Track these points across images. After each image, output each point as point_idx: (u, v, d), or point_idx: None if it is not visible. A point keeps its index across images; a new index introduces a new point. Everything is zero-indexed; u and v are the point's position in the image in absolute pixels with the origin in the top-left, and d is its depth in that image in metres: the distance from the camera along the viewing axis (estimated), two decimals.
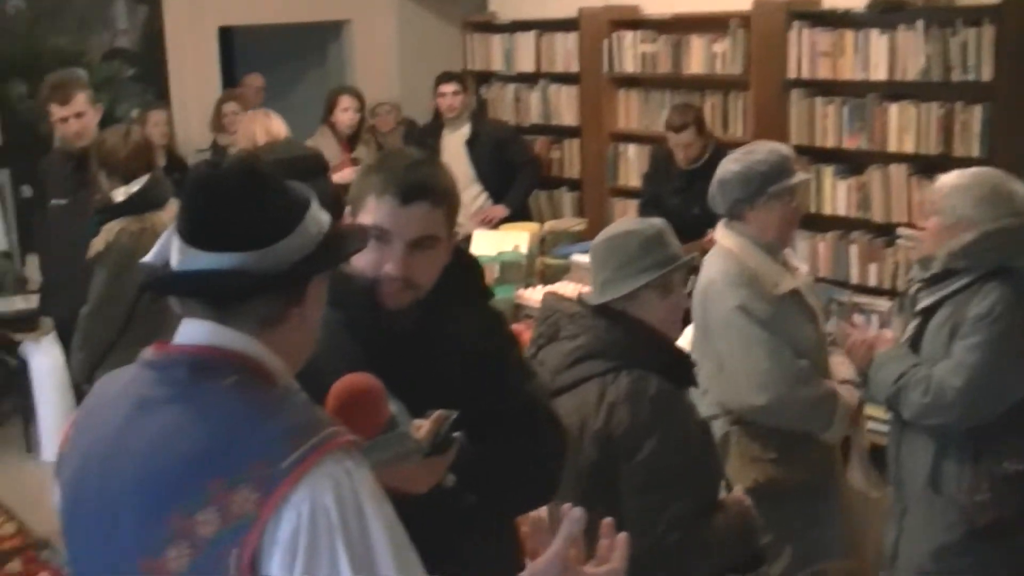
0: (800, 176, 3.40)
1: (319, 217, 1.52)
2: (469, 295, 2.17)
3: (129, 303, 4.18)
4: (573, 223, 6.66)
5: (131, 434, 1.43)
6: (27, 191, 7.54)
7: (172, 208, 4.25)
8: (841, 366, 3.49)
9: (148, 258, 1.55)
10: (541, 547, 1.70)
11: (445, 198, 2.04)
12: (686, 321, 3.03)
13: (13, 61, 7.38)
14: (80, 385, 4.44)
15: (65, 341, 5.32)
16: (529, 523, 1.76)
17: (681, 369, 2.74)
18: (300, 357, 1.54)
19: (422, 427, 1.81)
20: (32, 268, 7.31)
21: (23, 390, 6.58)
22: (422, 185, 1.99)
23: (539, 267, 5.85)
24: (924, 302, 3.16)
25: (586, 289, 2.89)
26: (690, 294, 3.21)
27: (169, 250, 1.49)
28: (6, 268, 7.34)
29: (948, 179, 3.14)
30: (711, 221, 3.67)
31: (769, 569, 3.15)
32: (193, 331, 1.47)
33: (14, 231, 7.51)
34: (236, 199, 1.43)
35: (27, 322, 6.78)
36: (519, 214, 6.96)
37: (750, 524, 2.70)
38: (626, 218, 2.82)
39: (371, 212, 1.98)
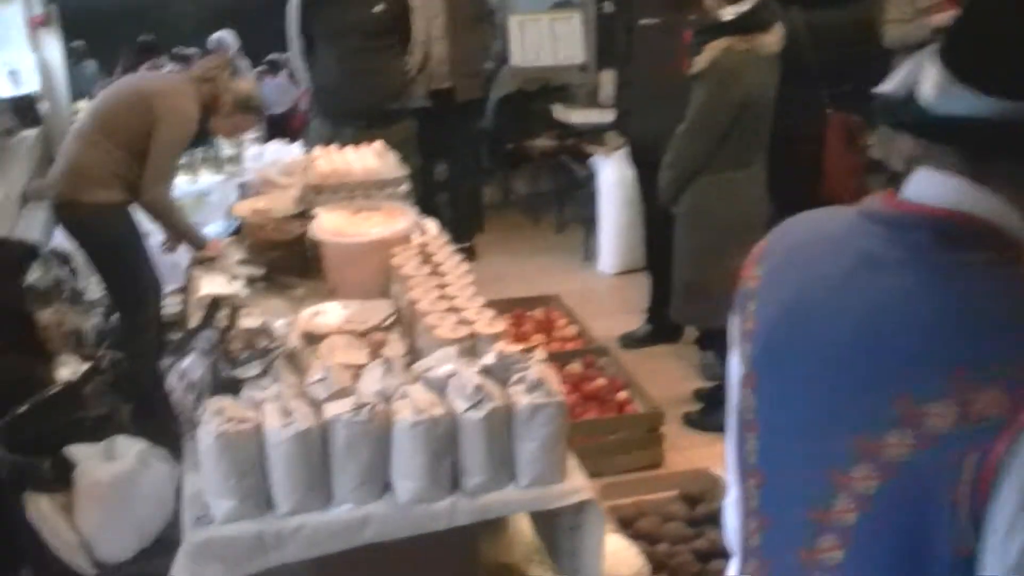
0: None
1: None
2: None
3: (725, 124, 4.10)
4: None
5: (854, 292, 1.25)
6: (608, 7, 7.71)
7: (776, 32, 4.09)
8: None
9: (886, 87, 1.32)
10: None
11: None
12: None
13: None
14: (665, 205, 4.45)
15: (638, 159, 5.41)
16: None
17: None
18: None
19: None
20: (608, 83, 7.51)
21: (587, 200, 6.85)
22: None
23: None
24: None
25: None
26: None
27: (917, 79, 1.27)
28: (582, 81, 7.60)
29: None
30: None
31: None
32: (937, 188, 1.24)
33: (592, 46, 7.72)
34: None
35: (598, 135, 7.02)
36: None
37: None
38: None
39: None
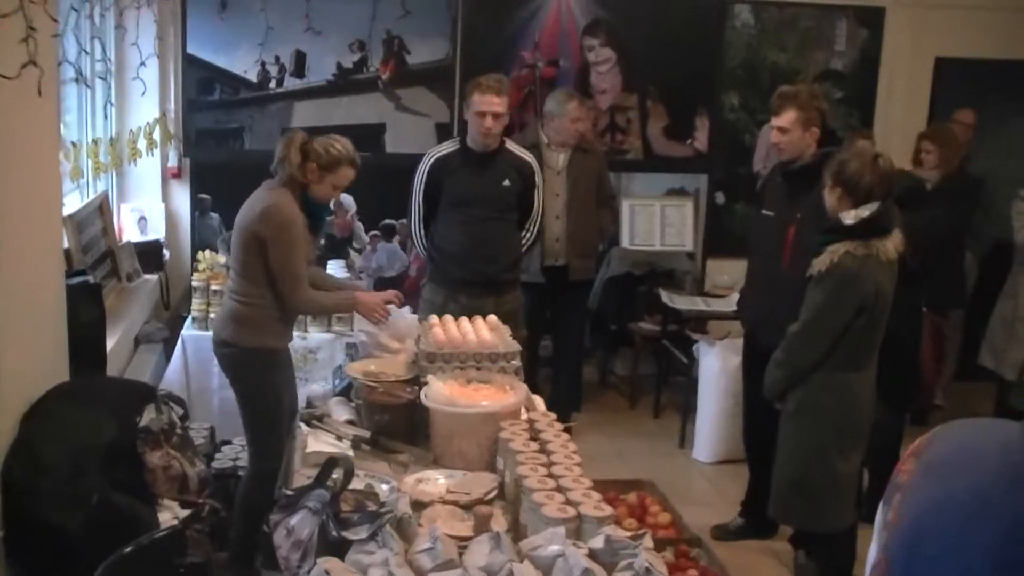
0: None
1: None
2: None
3: (841, 328, 4.11)
4: None
5: (997, 506, 1.26)
6: (720, 198, 7.83)
7: (896, 237, 4.11)
8: None
9: None
10: None
11: None
12: None
13: (733, 73, 7.68)
14: (771, 401, 4.44)
15: (748, 347, 5.41)
16: None
17: None
18: None
19: None
20: (714, 272, 7.58)
21: (686, 387, 6.84)
22: None
23: None
24: None
25: None
26: None
27: None
28: (688, 268, 7.67)
29: None
30: None
31: None
32: None
33: (701, 234, 7.82)
34: None
35: (702, 323, 7.04)
36: None
37: None
38: None
39: None
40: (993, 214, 7.26)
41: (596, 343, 7.89)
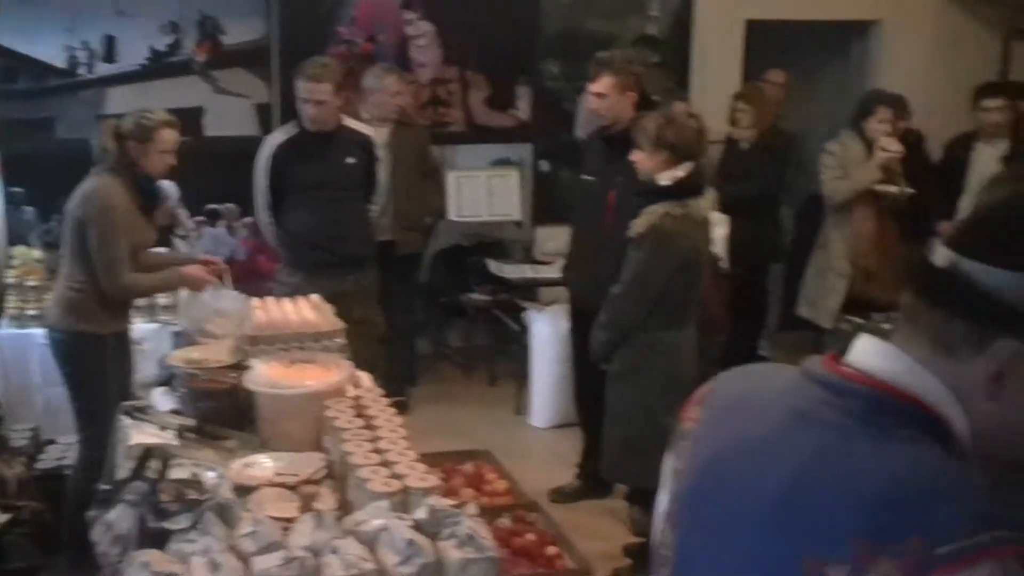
0: None
1: None
2: None
3: (661, 287, 4.21)
4: None
5: (780, 448, 1.30)
6: (544, 166, 7.92)
7: (709, 196, 4.23)
8: None
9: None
10: None
11: None
12: None
13: (551, 42, 7.75)
14: (597, 363, 4.53)
15: (574, 311, 5.50)
16: None
17: None
18: (1005, 441, 1.28)
19: None
20: (543, 239, 7.67)
21: (519, 355, 6.91)
22: None
23: None
24: None
25: None
26: None
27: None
28: (516, 237, 7.74)
29: None
30: None
31: None
32: (880, 359, 1.29)
33: (528, 203, 7.89)
34: None
35: (532, 291, 7.13)
36: None
37: None
38: None
39: None
40: (806, 169, 7.53)
41: (429, 316, 7.89)
